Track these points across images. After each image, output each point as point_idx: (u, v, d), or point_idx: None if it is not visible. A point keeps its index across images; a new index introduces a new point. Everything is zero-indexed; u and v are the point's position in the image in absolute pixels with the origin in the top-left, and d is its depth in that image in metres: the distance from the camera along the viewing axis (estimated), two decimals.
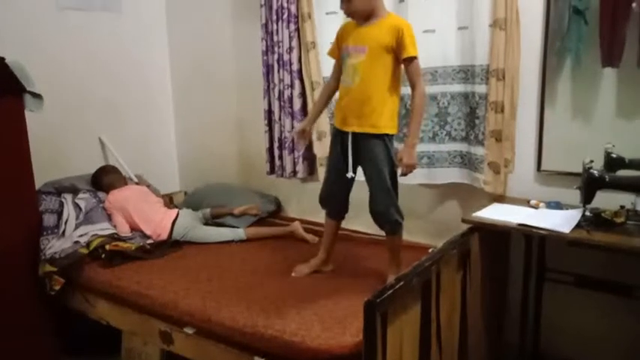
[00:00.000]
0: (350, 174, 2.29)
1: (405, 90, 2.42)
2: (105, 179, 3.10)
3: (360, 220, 2.72)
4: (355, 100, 2.22)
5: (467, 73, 2.53)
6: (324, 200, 2.48)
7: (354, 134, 2.25)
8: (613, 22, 2.17)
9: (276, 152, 3.18)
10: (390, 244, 2.35)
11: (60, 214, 2.85)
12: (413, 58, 2.13)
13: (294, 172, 3.15)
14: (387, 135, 2.22)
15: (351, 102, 2.24)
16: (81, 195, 2.97)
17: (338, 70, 2.37)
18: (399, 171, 2.24)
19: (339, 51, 2.33)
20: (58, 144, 3.15)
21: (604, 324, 2.38)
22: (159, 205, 3.17)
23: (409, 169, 2.21)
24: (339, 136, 2.33)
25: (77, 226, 2.83)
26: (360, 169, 2.34)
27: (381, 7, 2.20)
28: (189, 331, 2.20)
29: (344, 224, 2.54)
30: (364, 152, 2.25)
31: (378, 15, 2.18)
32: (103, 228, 2.87)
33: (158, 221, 2.97)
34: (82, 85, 3.29)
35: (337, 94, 2.39)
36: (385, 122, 2.20)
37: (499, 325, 2.57)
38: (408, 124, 2.28)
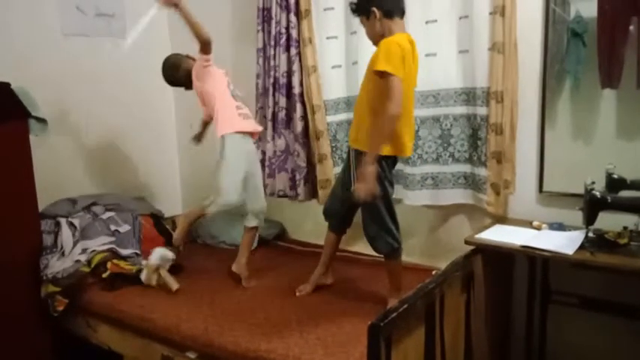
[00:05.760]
0: (353, 187, 2.26)
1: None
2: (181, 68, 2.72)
3: (363, 242, 2.71)
4: (355, 117, 2.29)
5: (468, 96, 2.55)
6: (327, 212, 2.50)
7: (355, 151, 2.25)
8: (611, 44, 2.19)
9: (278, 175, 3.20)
10: (387, 268, 2.32)
11: (56, 234, 2.85)
12: (380, 73, 2.02)
13: (296, 195, 3.16)
14: (381, 156, 2.11)
15: (354, 119, 2.31)
16: (74, 215, 2.97)
17: None
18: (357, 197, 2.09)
19: None
20: (61, 168, 3.17)
21: (609, 345, 2.35)
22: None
23: (363, 195, 2.05)
24: (348, 151, 2.36)
25: (75, 244, 2.82)
26: None
27: (392, 30, 2.16)
28: (191, 355, 2.18)
29: (345, 245, 2.54)
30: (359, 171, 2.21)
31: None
32: (101, 243, 2.85)
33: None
34: (87, 109, 3.31)
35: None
36: None
37: (504, 347, 2.55)
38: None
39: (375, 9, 2.14)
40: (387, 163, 2.20)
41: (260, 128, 2.76)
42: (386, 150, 2.14)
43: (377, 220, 2.21)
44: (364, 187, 2.05)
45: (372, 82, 2.14)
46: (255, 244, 3.15)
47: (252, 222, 2.72)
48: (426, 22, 2.59)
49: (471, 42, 2.47)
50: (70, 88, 3.22)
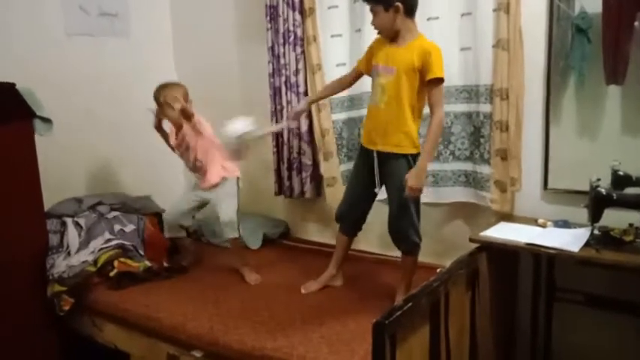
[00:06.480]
0: (377, 189, 2.30)
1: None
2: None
3: (367, 240, 2.72)
4: (381, 119, 2.24)
5: (470, 93, 2.54)
6: (342, 216, 2.50)
7: (379, 153, 2.27)
8: (616, 41, 2.18)
9: (285, 173, 3.20)
10: (405, 264, 2.35)
11: (62, 233, 2.86)
12: (437, 80, 2.12)
13: (302, 193, 3.16)
14: (411, 155, 2.23)
15: (377, 121, 2.26)
16: (80, 215, 2.97)
17: (357, 76, 2.46)
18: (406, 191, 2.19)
19: (367, 65, 2.35)
20: (66, 167, 3.18)
21: (615, 343, 2.35)
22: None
23: (413, 192, 2.16)
24: (364, 154, 2.35)
25: (81, 244, 2.83)
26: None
27: (411, 29, 2.19)
28: (197, 354, 2.19)
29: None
30: (388, 171, 2.27)
31: (408, 37, 2.19)
32: (107, 239, 2.85)
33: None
34: (91, 109, 3.32)
35: (366, 111, 2.44)
36: (409, 142, 2.22)
37: (509, 345, 2.54)
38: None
39: (399, 4, 2.11)
40: (416, 160, 2.24)
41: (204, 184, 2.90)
42: (417, 148, 2.24)
43: (407, 218, 2.25)
44: (417, 186, 2.14)
45: (413, 85, 2.16)
46: (258, 245, 3.20)
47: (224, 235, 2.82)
48: (428, 19, 2.57)
49: (475, 39, 2.47)
50: (74, 88, 3.22)
